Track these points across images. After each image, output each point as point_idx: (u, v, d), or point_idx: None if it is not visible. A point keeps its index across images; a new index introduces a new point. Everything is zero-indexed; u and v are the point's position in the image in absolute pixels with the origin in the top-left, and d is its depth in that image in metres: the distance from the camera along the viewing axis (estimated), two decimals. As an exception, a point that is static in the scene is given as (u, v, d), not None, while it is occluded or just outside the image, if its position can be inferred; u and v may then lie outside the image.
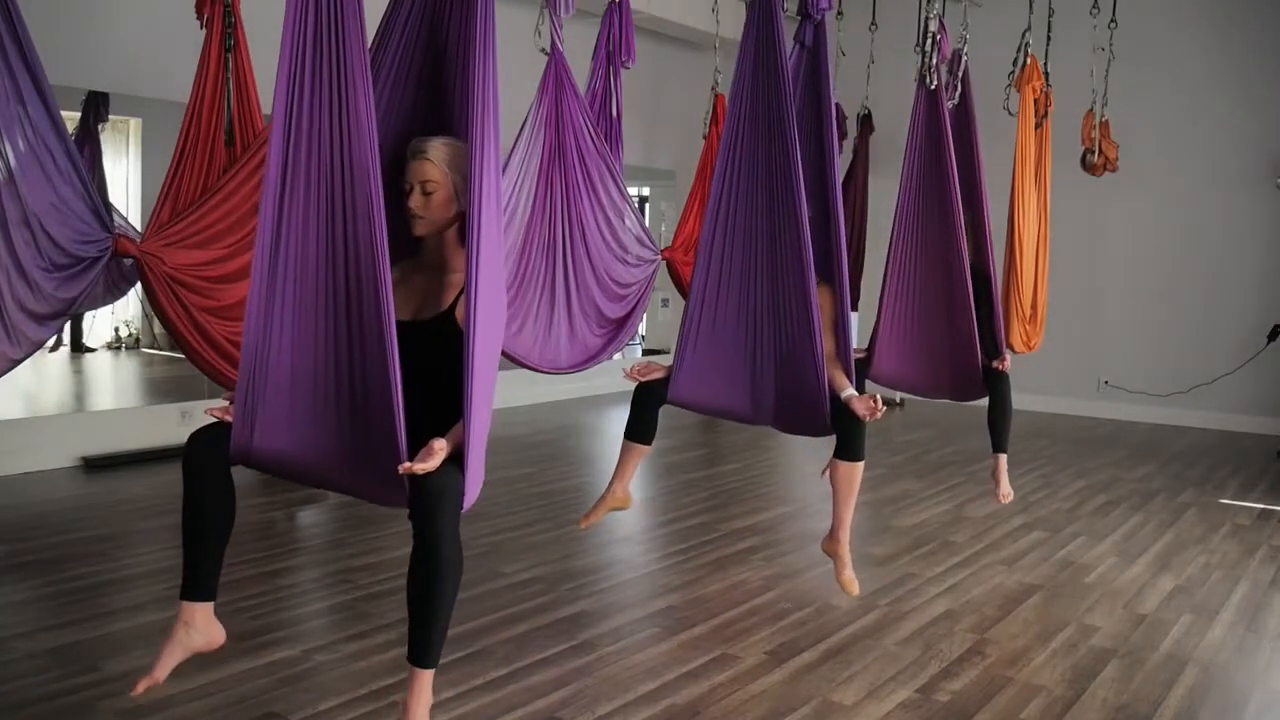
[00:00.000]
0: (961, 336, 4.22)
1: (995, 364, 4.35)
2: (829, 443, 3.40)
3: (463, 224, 2.43)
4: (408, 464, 2.14)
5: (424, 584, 2.22)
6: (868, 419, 3.23)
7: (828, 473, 4.70)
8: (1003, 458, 4.49)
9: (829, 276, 3.39)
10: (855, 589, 3.48)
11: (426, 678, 2.30)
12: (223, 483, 2.30)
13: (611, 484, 3.53)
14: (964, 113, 4.53)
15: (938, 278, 4.22)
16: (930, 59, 4.21)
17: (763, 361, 3.37)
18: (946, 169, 4.15)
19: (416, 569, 2.22)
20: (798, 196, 3.22)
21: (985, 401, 4.43)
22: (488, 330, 2.27)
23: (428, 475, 2.17)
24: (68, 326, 6.16)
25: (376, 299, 2.16)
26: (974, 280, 4.25)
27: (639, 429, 3.45)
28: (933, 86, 4.20)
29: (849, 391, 3.30)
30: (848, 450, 3.32)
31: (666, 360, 3.50)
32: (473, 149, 2.20)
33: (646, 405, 3.42)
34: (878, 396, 3.21)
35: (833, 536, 3.50)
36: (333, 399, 2.25)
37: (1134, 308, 8.09)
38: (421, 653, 2.27)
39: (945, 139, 4.16)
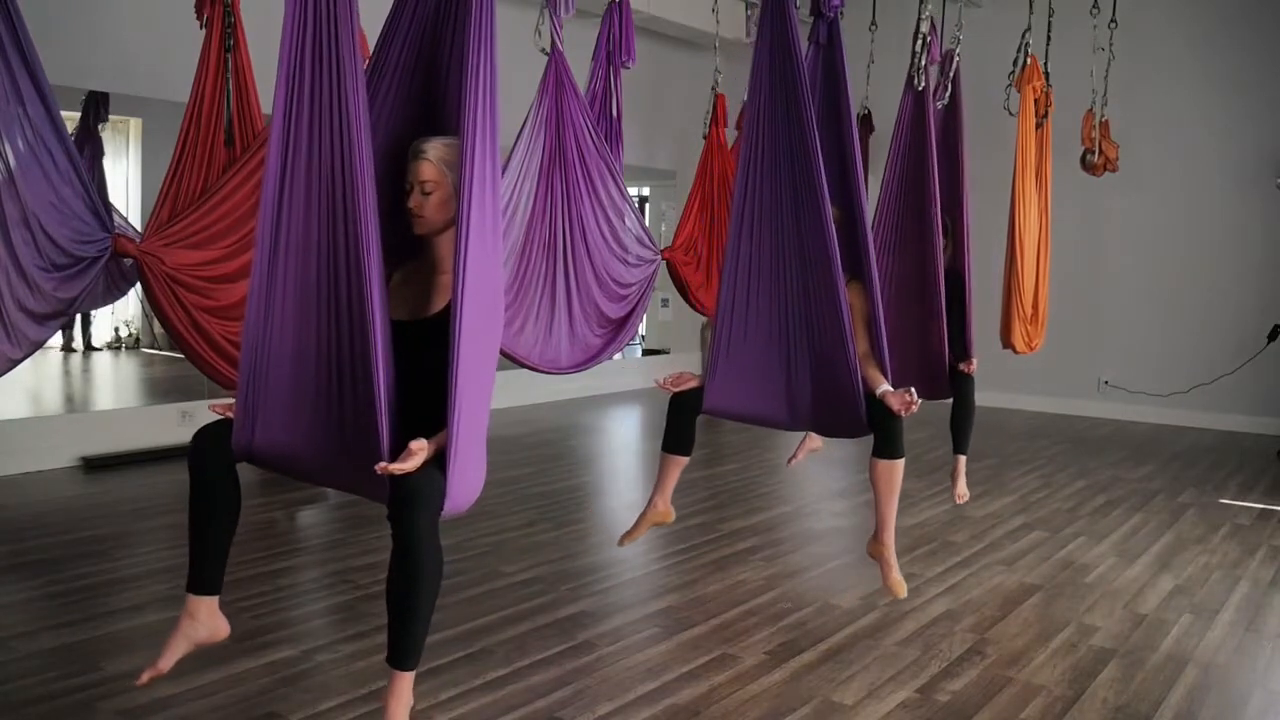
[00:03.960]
0: (932, 336, 4.25)
1: (961, 366, 4.37)
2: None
3: None
4: (384, 464, 2.15)
5: (400, 585, 2.23)
6: (903, 414, 3.19)
7: (794, 461, 4.72)
8: (962, 459, 4.53)
9: (858, 273, 3.37)
10: (903, 591, 3.42)
11: (406, 680, 2.31)
12: (228, 478, 2.33)
13: (652, 498, 3.51)
14: (953, 114, 4.54)
15: (912, 277, 4.24)
16: (920, 60, 4.21)
17: (797, 365, 3.34)
18: (928, 170, 4.17)
19: (394, 570, 2.24)
20: (821, 196, 3.20)
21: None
22: (477, 331, 2.26)
23: (406, 476, 2.17)
24: (78, 327, 6.17)
25: (361, 296, 2.17)
26: (949, 281, 4.27)
27: (677, 440, 3.42)
28: (920, 88, 4.21)
29: (884, 387, 3.26)
30: (886, 448, 3.26)
31: (690, 367, 3.48)
32: (465, 148, 2.21)
33: (682, 416, 3.40)
34: (911, 390, 3.18)
35: (877, 539, 3.43)
36: (327, 396, 2.27)
37: (1134, 308, 8.09)
38: (400, 654, 2.28)
39: (929, 142, 4.18)
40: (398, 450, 2.19)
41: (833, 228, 3.21)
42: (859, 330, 3.32)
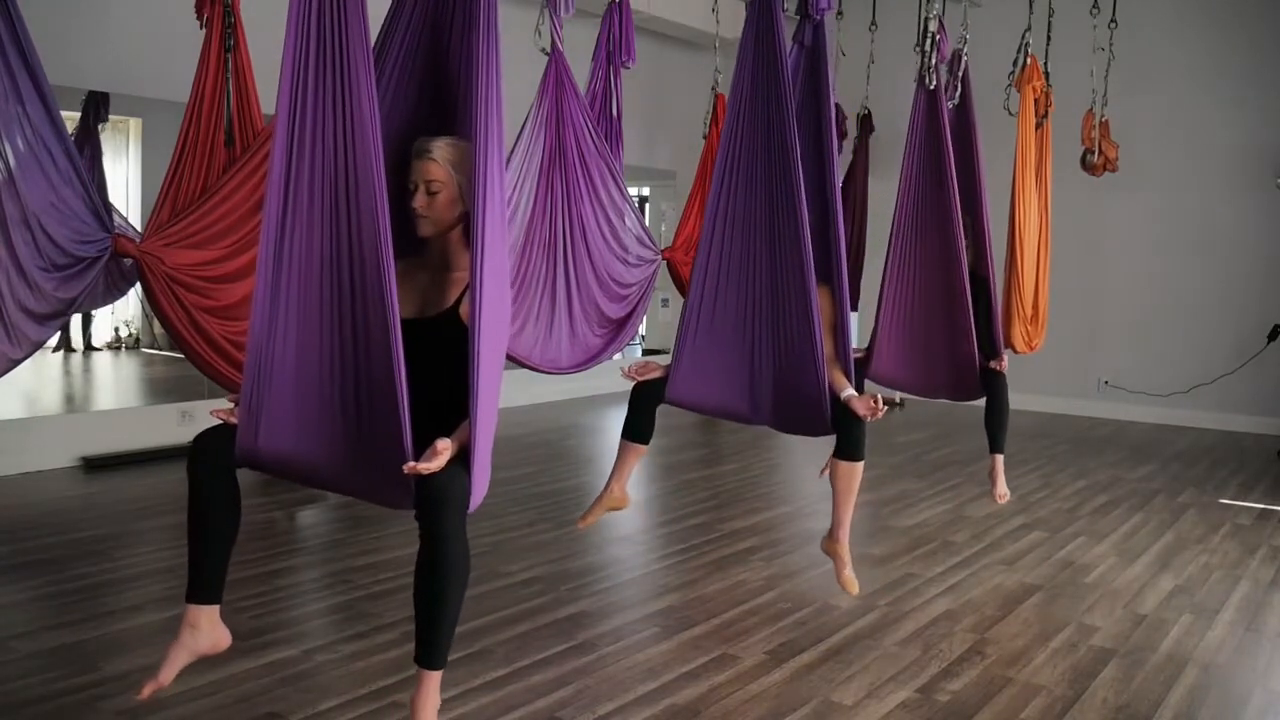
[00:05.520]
0: (959, 337, 4.22)
1: (992, 364, 4.36)
2: (828, 442, 3.40)
3: (467, 224, 2.41)
4: (412, 464, 2.12)
5: (430, 585, 2.21)
6: (868, 419, 3.23)
7: (827, 472, 4.71)
8: (999, 458, 4.50)
9: (827, 277, 3.39)
10: (855, 588, 3.49)
11: (435, 679, 2.29)
12: (228, 485, 2.29)
13: (609, 484, 3.52)
14: (964, 113, 4.53)
15: (936, 278, 4.22)
16: (929, 59, 4.20)
17: (761, 361, 3.37)
18: (945, 170, 4.15)
19: (423, 570, 2.22)
20: (797, 196, 3.21)
21: (984, 401, 4.43)
22: (493, 329, 2.25)
23: (432, 475, 2.15)
24: (78, 327, 6.17)
25: (381, 298, 2.14)
26: (972, 281, 4.25)
27: (636, 428, 3.44)
28: (932, 87, 4.20)
29: (849, 391, 3.30)
30: (848, 450, 3.32)
31: (664, 360, 3.50)
32: (477, 149, 2.19)
33: (644, 405, 3.42)
34: (878, 396, 3.21)
35: (832, 536, 3.50)
36: (338, 399, 2.23)
37: (1134, 308, 8.09)
38: (429, 654, 2.27)
39: (944, 140, 4.16)
40: (415, 451, 2.17)
41: (808, 228, 3.22)
42: (825, 333, 3.33)
